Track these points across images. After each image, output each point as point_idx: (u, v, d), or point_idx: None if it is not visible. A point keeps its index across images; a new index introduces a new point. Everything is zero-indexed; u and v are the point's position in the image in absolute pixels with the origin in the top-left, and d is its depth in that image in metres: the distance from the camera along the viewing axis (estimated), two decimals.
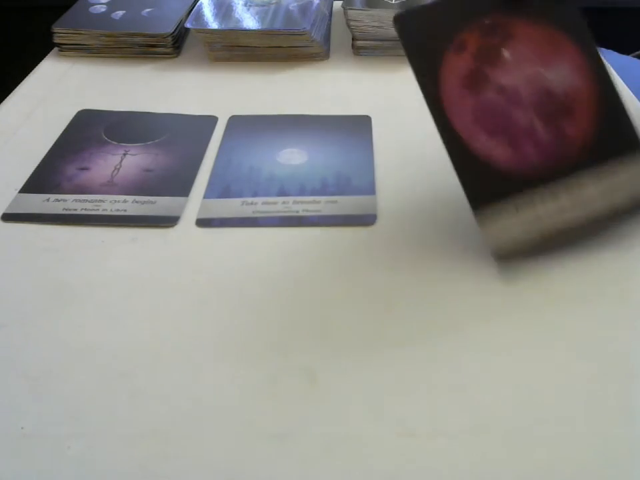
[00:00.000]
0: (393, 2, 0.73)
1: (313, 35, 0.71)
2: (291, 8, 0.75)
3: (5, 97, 0.67)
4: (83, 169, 0.56)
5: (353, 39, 0.74)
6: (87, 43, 0.74)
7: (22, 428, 0.36)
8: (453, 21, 0.44)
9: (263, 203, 0.51)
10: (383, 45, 0.73)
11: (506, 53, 0.45)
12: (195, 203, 0.52)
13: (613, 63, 0.71)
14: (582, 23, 0.44)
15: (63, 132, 0.61)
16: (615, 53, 0.95)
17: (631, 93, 0.65)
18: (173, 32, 0.74)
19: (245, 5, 0.77)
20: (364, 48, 0.74)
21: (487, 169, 0.43)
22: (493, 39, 0.44)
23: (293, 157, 0.56)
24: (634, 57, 1.06)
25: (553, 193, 0.42)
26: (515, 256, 0.43)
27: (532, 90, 0.44)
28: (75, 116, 0.63)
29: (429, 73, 0.44)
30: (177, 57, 0.75)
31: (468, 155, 0.44)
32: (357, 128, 0.60)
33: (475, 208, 0.43)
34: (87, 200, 0.52)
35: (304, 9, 0.75)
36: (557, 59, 0.44)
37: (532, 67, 0.44)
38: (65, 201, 0.52)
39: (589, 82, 0.44)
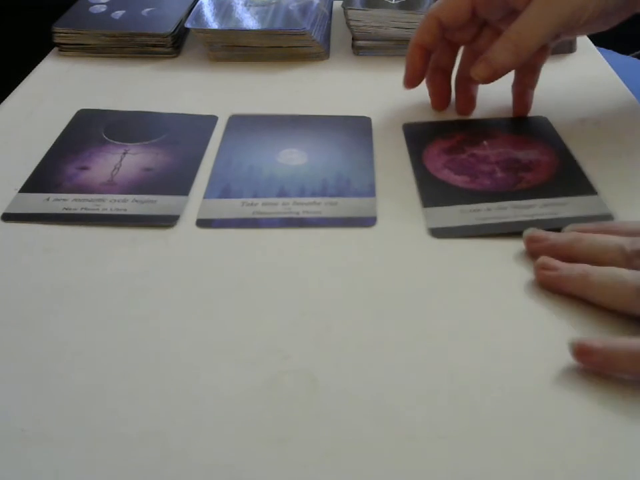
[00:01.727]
0: (393, 2, 0.73)
1: (313, 34, 0.71)
2: (290, 8, 0.75)
3: (5, 97, 0.67)
4: (82, 168, 0.56)
5: (353, 39, 0.74)
6: (87, 43, 0.74)
7: (22, 430, 0.36)
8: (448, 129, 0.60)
9: (263, 204, 0.51)
10: (383, 44, 0.73)
11: (485, 142, 0.58)
12: (195, 203, 0.52)
13: (613, 63, 0.71)
14: (554, 133, 0.59)
15: (63, 132, 0.61)
16: (615, 53, 0.95)
17: (631, 93, 0.65)
18: (173, 32, 0.74)
19: (245, 4, 0.77)
20: (364, 48, 0.74)
21: (444, 186, 0.53)
22: (477, 136, 0.58)
23: (292, 157, 0.56)
24: (634, 56, 1.06)
25: (500, 206, 0.50)
26: (448, 235, 0.48)
27: (499, 158, 0.55)
28: (75, 116, 0.63)
29: (419, 146, 0.58)
30: (176, 56, 0.75)
31: (431, 178, 0.54)
32: (357, 128, 0.60)
33: (424, 206, 0.51)
34: (86, 199, 0.52)
35: (304, 9, 0.75)
36: (527, 148, 0.57)
37: (504, 148, 0.57)
38: (65, 200, 0.52)
39: (552, 159, 0.55)
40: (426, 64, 0.60)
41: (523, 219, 0.48)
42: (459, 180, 0.53)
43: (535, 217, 0.48)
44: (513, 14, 0.55)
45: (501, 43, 0.55)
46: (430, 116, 0.62)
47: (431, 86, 0.62)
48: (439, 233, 0.48)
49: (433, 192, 0.52)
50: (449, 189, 0.52)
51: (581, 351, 0.37)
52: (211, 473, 0.34)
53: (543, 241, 0.45)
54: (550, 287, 0.43)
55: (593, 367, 0.37)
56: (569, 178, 0.53)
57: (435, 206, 0.50)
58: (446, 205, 0.50)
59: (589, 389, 0.37)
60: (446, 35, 0.59)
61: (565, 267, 0.42)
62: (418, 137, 0.59)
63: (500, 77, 0.56)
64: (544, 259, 0.43)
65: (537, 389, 0.37)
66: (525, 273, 0.44)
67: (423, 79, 0.61)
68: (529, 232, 0.46)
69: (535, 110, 0.62)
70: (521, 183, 0.52)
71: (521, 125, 0.61)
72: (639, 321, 0.39)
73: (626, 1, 0.55)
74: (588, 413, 0.36)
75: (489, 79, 0.56)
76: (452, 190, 0.52)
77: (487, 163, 0.55)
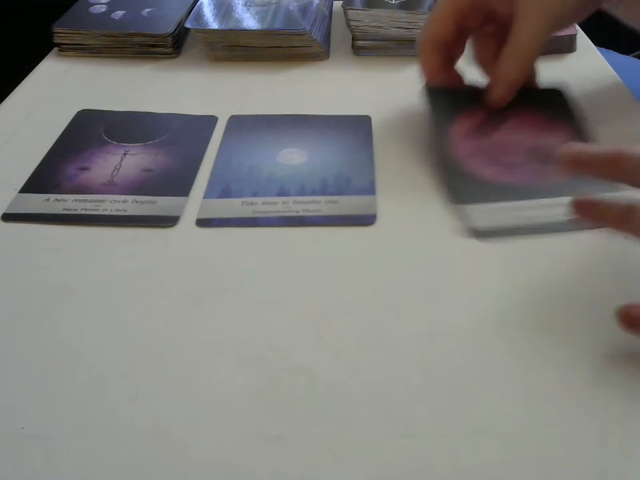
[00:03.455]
0: (393, 2, 0.73)
1: (313, 35, 0.71)
2: (291, 8, 0.75)
3: (5, 97, 0.67)
4: (83, 168, 0.56)
5: (353, 39, 0.74)
6: (87, 43, 0.74)
7: (22, 428, 0.36)
8: (473, 99, 0.57)
9: (263, 203, 0.51)
10: (383, 45, 0.73)
11: (507, 123, 0.56)
12: (195, 203, 0.52)
13: (613, 63, 0.71)
14: (577, 111, 0.57)
15: (63, 132, 0.61)
16: (615, 53, 0.95)
17: (631, 93, 0.65)
18: (173, 32, 0.74)
19: (245, 4, 0.77)
20: (364, 48, 0.74)
21: (474, 178, 0.50)
22: (500, 114, 0.56)
23: (292, 156, 0.56)
24: (634, 56, 1.06)
25: (542, 204, 0.48)
26: (495, 236, 0.46)
27: (526, 145, 0.53)
28: (75, 116, 0.63)
29: (445, 124, 0.55)
30: (177, 56, 0.75)
31: (459, 168, 0.51)
32: (357, 128, 0.60)
33: (459, 202, 0.49)
34: (86, 200, 0.52)
35: (304, 9, 0.75)
36: (549, 132, 0.55)
37: (529, 131, 0.55)
38: (65, 201, 0.52)
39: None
40: (457, 74, 0.60)
41: (553, 218, 0.46)
42: (490, 172, 0.50)
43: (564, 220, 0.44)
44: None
45: (508, 62, 0.56)
46: None
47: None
48: (485, 234, 0.45)
49: (466, 186, 0.49)
50: (482, 183, 0.49)
51: (628, 318, 0.37)
52: (211, 470, 0.34)
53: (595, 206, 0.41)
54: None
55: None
56: None
57: (473, 203, 0.47)
58: (485, 202, 0.47)
59: (590, 388, 0.37)
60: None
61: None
62: (441, 112, 0.56)
63: (516, 90, 0.57)
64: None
65: (538, 386, 0.37)
66: (523, 270, 0.44)
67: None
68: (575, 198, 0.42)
69: None
70: (553, 176, 0.49)
71: (540, 97, 0.59)
72: None
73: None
74: (588, 412, 0.36)
75: (508, 98, 0.57)
76: (487, 185, 0.49)
77: (515, 151, 0.52)
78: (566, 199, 0.42)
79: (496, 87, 0.57)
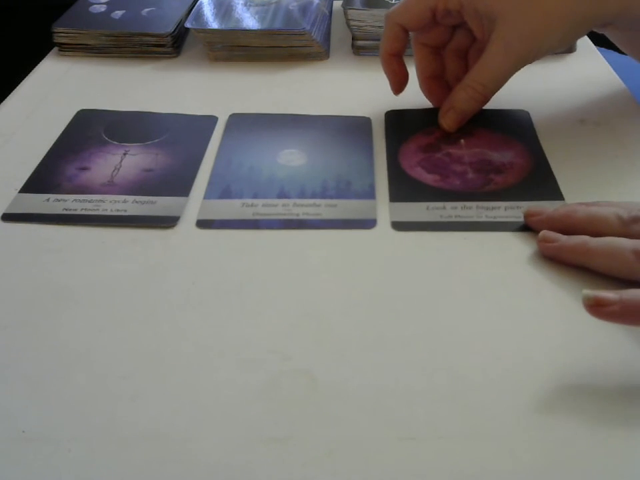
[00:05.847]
0: (393, 2, 0.73)
1: (313, 34, 0.71)
2: (290, 8, 0.75)
3: (5, 97, 0.67)
4: (83, 168, 0.56)
5: (353, 39, 0.74)
6: (87, 43, 0.74)
7: (23, 431, 0.36)
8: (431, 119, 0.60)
9: (263, 205, 0.51)
10: None
11: (462, 141, 0.58)
12: (195, 203, 0.52)
13: (613, 63, 0.71)
14: (532, 131, 0.59)
15: (63, 132, 0.61)
16: (615, 53, 0.95)
17: (631, 93, 0.65)
18: (173, 32, 0.74)
19: (245, 4, 0.77)
20: (364, 48, 0.74)
21: (414, 183, 0.53)
22: (456, 132, 0.58)
23: (292, 157, 0.56)
24: None
25: (465, 206, 0.50)
26: (409, 229, 0.49)
27: (473, 158, 0.55)
28: (75, 116, 0.63)
29: (397, 142, 0.58)
30: (177, 56, 0.75)
31: (402, 175, 0.54)
32: (356, 129, 0.60)
33: (391, 201, 0.51)
34: (86, 200, 0.52)
35: (304, 9, 0.75)
36: (502, 149, 0.57)
37: (480, 148, 0.57)
38: (65, 201, 0.52)
39: (526, 161, 0.55)
40: (404, 67, 0.61)
41: (486, 219, 0.49)
42: (429, 178, 0.53)
43: (498, 219, 0.49)
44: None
45: (466, 93, 0.57)
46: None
47: (390, 73, 0.61)
48: (400, 226, 0.49)
49: (402, 188, 0.52)
50: (419, 187, 0.52)
51: (597, 303, 0.36)
52: (211, 472, 0.34)
53: (540, 214, 0.47)
54: (552, 258, 0.45)
55: (609, 319, 0.37)
56: (538, 182, 0.53)
57: (401, 201, 0.51)
58: (412, 201, 0.51)
59: (591, 387, 0.37)
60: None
61: (565, 238, 0.44)
62: (398, 130, 0.60)
63: (468, 119, 0.58)
64: (544, 232, 0.45)
65: (538, 389, 0.37)
66: (527, 272, 0.45)
67: (407, 81, 0.61)
68: (526, 208, 0.48)
69: (536, 109, 0.62)
70: (489, 185, 0.52)
71: (502, 119, 0.61)
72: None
73: (579, 27, 0.56)
74: (588, 413, 0.36)
75: (459, 126, 0.58)
76: (421, 187, 0.52)
77: (460, 163, 0.55)
78: (484, 204, 0.50)
79: (448, 113, 0.58)
